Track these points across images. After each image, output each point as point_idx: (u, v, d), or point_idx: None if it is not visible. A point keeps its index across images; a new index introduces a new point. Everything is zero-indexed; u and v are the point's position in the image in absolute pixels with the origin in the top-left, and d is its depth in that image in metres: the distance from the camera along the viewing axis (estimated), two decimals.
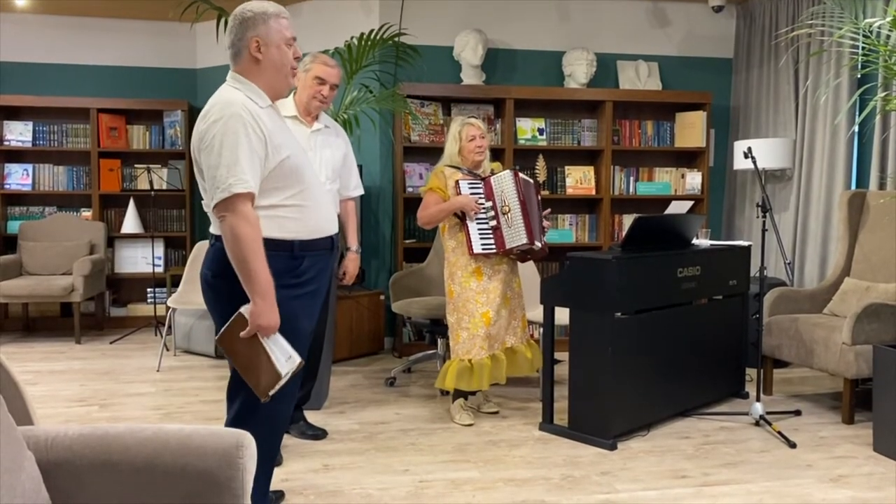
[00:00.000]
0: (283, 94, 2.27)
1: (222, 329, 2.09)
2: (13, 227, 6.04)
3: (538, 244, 3.62)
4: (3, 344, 5.59)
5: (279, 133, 2.14)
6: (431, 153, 5.25)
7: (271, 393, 2.05)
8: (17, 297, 5.47)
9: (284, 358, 2.05)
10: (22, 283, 5.47)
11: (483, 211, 3.61)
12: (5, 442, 1.45)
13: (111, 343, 5.60)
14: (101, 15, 6.14)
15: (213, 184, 2.03)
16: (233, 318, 2.06)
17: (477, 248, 3.59)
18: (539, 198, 3.76)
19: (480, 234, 3.61)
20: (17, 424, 1.56)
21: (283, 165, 2.12)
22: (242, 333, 2.04)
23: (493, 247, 3.60)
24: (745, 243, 4.20)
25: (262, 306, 2.02)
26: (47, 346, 5.55)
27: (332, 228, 2.30)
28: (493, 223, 3.60)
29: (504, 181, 3.61)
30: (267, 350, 2.04)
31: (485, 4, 5.51)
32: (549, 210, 3.86)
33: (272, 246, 2.11)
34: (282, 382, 2.04)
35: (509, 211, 3.58)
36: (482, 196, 3.63)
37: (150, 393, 4.29)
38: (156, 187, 5.96)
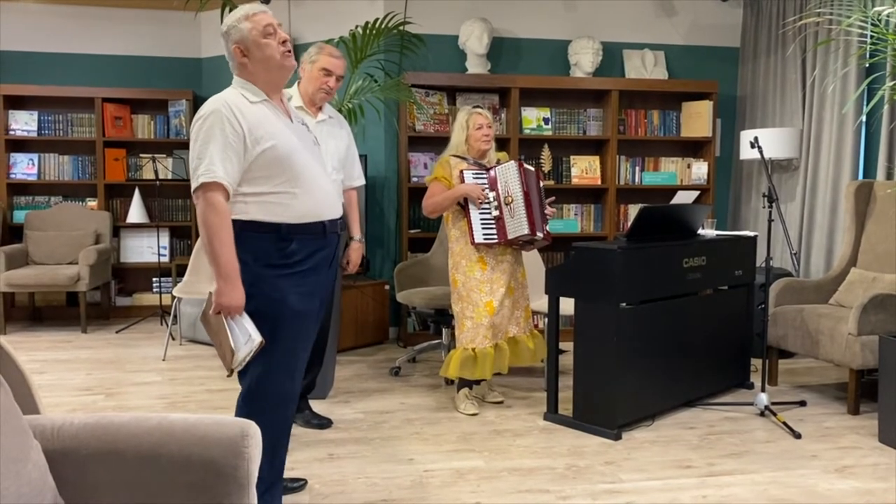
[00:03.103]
0: (286, 78, 2.38)
1: (203, 307, 2.26)
2: (19, 216, 6.05)
3: (540, 235, 3.62)
4: (10, 333, 5.62)
5: (265, 125, 2.24)
6: (436, 143, 5.24)
7: (234, 368, 2.18)
8: (24, 287, 5.49)
9: (244, 338, 2.18)
10: (28, 272, 5.49)
11: (486, 200, 3.60)
12: (11, 431, 1.46)
13: (117, 332, 5.63)
14: (106, 4, 6.13)
15: (191, 174, 2.20)
16: (208, 296, 2.23)
17: (479, 238, 3.59)
18: (541, 185, 3.75)
19: (483, 223, 3.60)
20: (23, 413, 1.57)
21: (266, 155, 2.22)
22: (210, 311, 2.20)
23: (495, 237, 3.60)
24: (751, 233, 4.18)
25: (222, 287, 2.16)
26: (53, 335, 5.57)
27: (326, 214, 2.35)
28: (496, 213, 3.60)
29: (508, 172, 3.60)
30: (226, 328, 2.17)
31: None
32: (553, 198, 3.85)
33: (260, 228, 2.25)
34: (239, 359, 2.16)
35: (512, 201, 3.57)
36: (486, 186, 3.62)
37: (156, 382, 4.31)
38: (161, 177, 5.96)
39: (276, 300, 2.26)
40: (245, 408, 2.35)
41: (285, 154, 2.25)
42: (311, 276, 2.35)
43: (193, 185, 2.18)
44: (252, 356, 2.18)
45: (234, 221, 2.24)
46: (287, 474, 2.86)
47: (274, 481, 2.43)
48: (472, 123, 3.70)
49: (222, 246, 2.15)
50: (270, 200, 2.25)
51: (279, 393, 2.36)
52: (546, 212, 3.72)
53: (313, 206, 2.31)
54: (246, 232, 2.24)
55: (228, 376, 2.21)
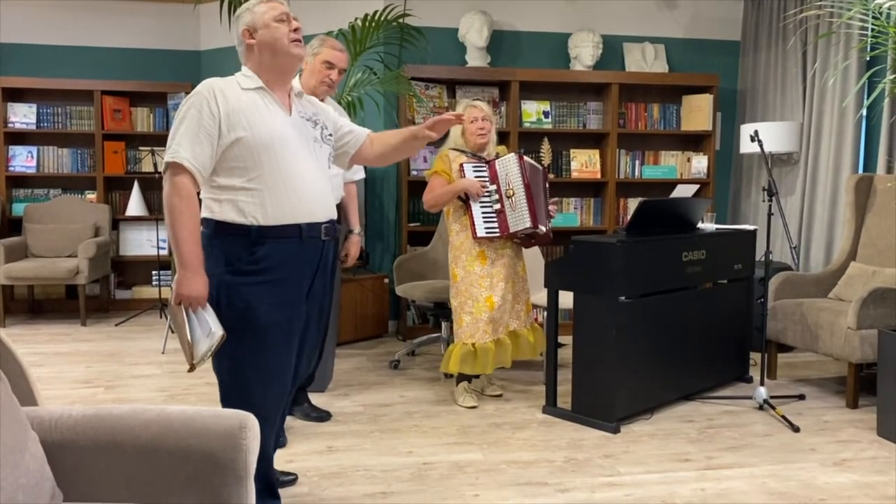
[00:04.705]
0: (293, 66, 2.28)
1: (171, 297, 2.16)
2: (18, 209, 6.05)
3: (542, 228, 3.61)
4: (9, 326, 5.62)
5: (244, 113, 2.15)
6: None
7: (194, 363, 2.08)
8: (23, 280, 5.49)
9: (205, 331, 2.06)
10: (27, 265, 5.49)
11: (487, 194, 3.60)
12: (10, 422, 1.46)
13: (116, 325, 5.63)
14: None
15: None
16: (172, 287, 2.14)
17: (480, 232, 3.58)
18: (547, 184, 3.74)
19: (484, 217, 3.59)
20: (21, 405, 1.57)
21: (240, 145, 2.14)
22: (171, 302, 2.11)
23: (497, 230, 3.59)
24: (751, 227, 4.18)
25: (182, 275, 2.08)
26: (53, 327, 5.57)
27: (304, 216, 2.21)
28: (497, 206, 3.59)
29: (509, 164, 3.59)
30: (185, 320, 2.07)
31: None
32: (556, 199, 3.84)
33: (230, 229, 2.16)
34: (199, 353, 2.06)
35: (514, 194, 3.56)
36: (486, 179, 3.61)
37: (155, 375, 4.31)
38: (160, 170, 5.93)
39: (243, 311, 2.16)
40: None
41: (261, 145, 2.14)
42: (287, 286, 2.22)
43: (163, 166, 2.15)
44: (214, 351, 2.07)
45: (207, 220, 2.18)
46: (285, 467, 2.87)
47: (259, 490, 2.29)
48: (467, 116, 3.69)
49: (184, 231, 2.08)
50: (242, 198, 2.15)
51: (253, 402, 2.22)
52: (550, 209, 3.72)
53: (289, 206, 2.18)
54: (218, 234, 2.17)
55: (189, 371, 2.10)
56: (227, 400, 2.28)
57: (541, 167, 3.73)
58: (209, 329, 2.07)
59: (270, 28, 2.21)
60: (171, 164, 2.10)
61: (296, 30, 2.25)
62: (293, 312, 2.26)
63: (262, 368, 2.24)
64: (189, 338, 2.05)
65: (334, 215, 2.35)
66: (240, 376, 2.22)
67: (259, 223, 2.16)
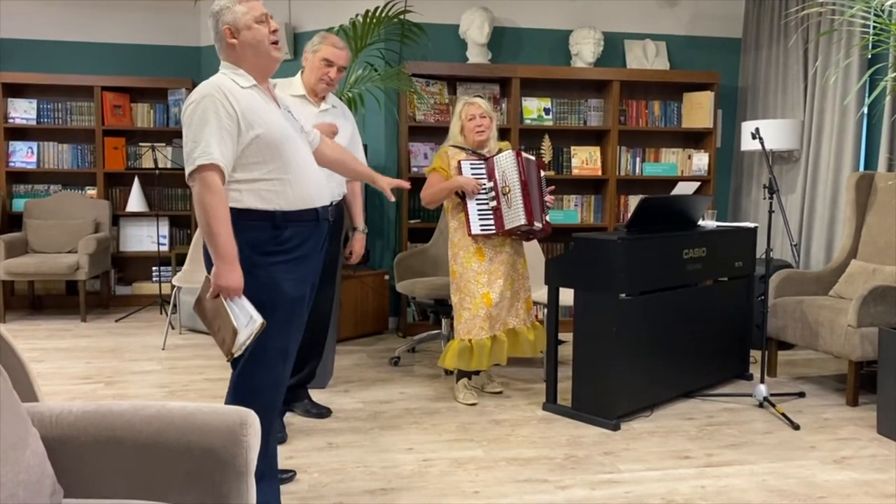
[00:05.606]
0: (272, 68, 2.38)
1: (198, 294, 2.23)
2: (18, 204, 6.04)
3: (538, 225, 3.60)
4: (10, 321, 5.62)
5: (255, 111, 2.25)
6: (436, 133, 5.22)
7: (234, 352, 2.14)
8: (23, 275, 5.49)
9: (245, 319, 2.15)
10: (27, 260, 5.49)
11: (483, 191, 3.59)
12: (10, 418, 1.46)
13: (116, 321, 5.63)
14: None
15: (186, 158, 2.20)
16: (203, 282, 2.21)
17: (475, 229, 3.58)
18: (542, 174, 3.73)
19: (480, 214, 3.59)
20: (22, 401, 1.56)
21: (258, 142, 2.23)
22: (207, 294, 2.18)
23: (493, 227, 3.59)
24: (752, 225, 4.18)
25: (221, 268, 2.15)
26: (53, 323, 5.57)
27: (318, 201, 2.38)
28: (493, 204, 3.58)
29: (506, 161, 3.58)
30: (227, 310, 2.14)
31: None
32: (553, 187, 3.84)
33: (255, 216, 2.26)
34: (241, 341, 2.13)
35: (510, 191, 3.56)
36: (484, 176, 3.61)
37: (156, 371, 4.31)
38: (160, 166, 5.94)
39: (270, 287, 2.28)
40: (237, 391, 2.35)
41: (278, 140, 2.26)
42: (304, 263, 2.38)
43: (189, 169, 2.17)
44: (254, 339, 2.16)
45: (229, 210, 2.22)
46: (285, 464, 2.87)
47: (265, 471, 2.38)
48: (464, 114, 3.69)
49: (220, 225, 2.15)
50: (263, 188, 2.26)
51: (271, 377, 2.37)
52: (546, 200, 3.71)
53: (306, 192, 2.33)
54: (241, 220, 2.24)
55: (228, 361, 2.18)
56: (248, 376, 2.35)
57: (534, 157, 3.72)
58: (249, 317, 2.15)
59: (253, 30, 2.29)
60: (203, 165, 2.14)
61: (274, 31, 2.33)
62: (309, 286, 2.45)
63: (283, 340, 2.36)
64: (235, 324, 2.12)
65: (332, 199, 2.51)
66: (263, 350, 2.30)
67: (283, 209, 2.28)
